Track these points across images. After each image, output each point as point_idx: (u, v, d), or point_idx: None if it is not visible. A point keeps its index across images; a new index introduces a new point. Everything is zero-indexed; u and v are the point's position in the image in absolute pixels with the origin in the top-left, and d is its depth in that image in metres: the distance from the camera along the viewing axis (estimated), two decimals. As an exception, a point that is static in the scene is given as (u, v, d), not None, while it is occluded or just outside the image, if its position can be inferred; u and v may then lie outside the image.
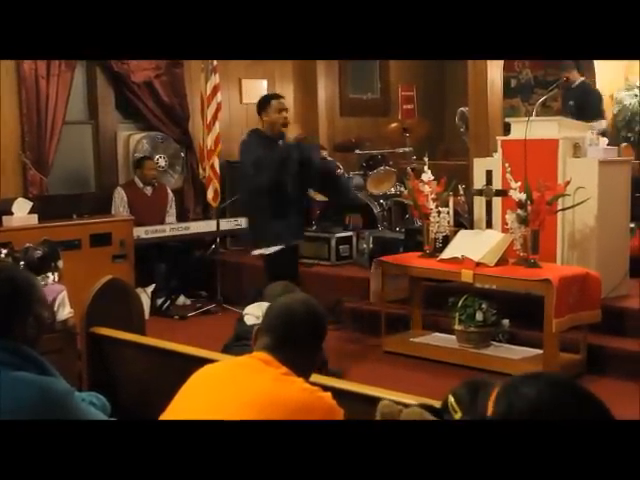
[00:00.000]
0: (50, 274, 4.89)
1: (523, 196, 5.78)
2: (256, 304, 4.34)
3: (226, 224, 8.29)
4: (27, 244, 5.07)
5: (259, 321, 4.06)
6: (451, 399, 2.08)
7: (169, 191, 8.47)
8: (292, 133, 5.98)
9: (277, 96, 6.39)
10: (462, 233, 6.36)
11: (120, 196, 8.12)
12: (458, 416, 2.05)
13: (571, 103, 7.45)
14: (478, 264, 5.91)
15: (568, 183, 5.92)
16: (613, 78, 9.87)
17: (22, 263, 4.81)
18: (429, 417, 2.02)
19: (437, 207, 6.37)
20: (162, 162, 8.71)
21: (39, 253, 4.90)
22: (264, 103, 6.20)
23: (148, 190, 8.24)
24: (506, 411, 1.39)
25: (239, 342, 4.29)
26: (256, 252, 6.14)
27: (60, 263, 5.01)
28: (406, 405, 2.15)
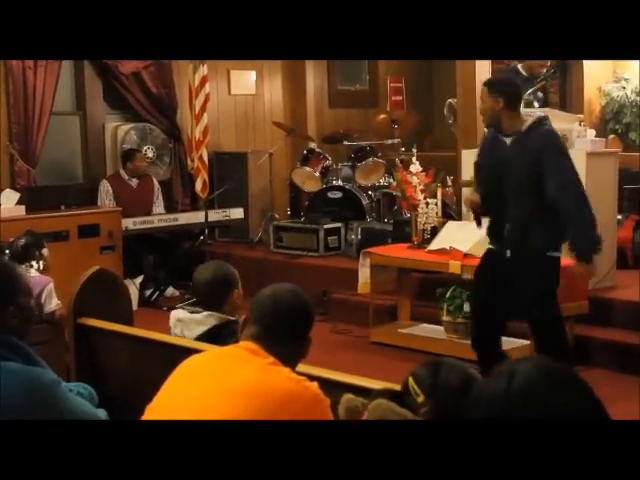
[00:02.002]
0: (34, 262, 4.89)
1: (511, 187, 5.79)
2: (176, 319, 3.79)
3: (214, 215, 8.29)
4: (11, 239, 5.06)
5: (177, 330, 3.83)
6: (411, 381, 2.08)
7: (155, 182, 8.45)
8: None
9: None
10: (450, 224, 6.37)
11: (105, 189, 8.09)
12: (421, 399, 2.06)
13: (540, 95, 7.49)
14: (466, 255, 5.92)
15: (556, 174, 5.93)
16: (601, 70, 9.89)
17: (7, 252, 4.81)
18: (396, 408, 2.02)
19: (425, 198, 6.39)
20: (150, 153, 8.69)
21: (22, 241, 4.90)
22: None
23: (133, 182, 8.22)
24: (501, 390, 1.40)
25: None
26: None
27: (45, 251, 5.01)
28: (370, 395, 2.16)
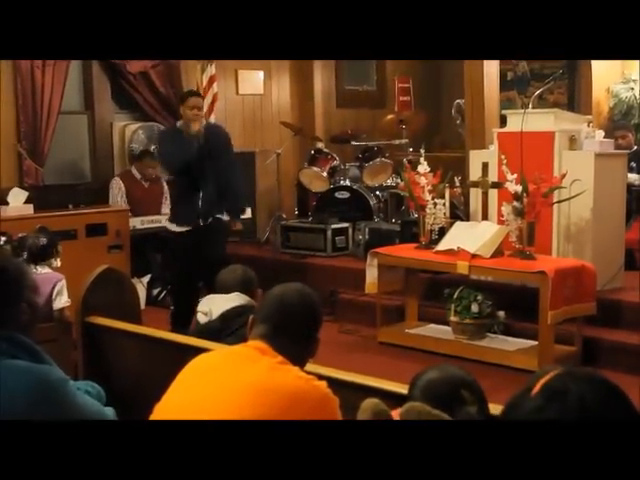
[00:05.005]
0: (53, 260, 4.95)
1: (519, 188, 5.79)
2: (205, 299, 4.19)
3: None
4: (20, 234, 5.09)
5: (208, 318, 3.98)
6: (465, 392, 2.05)
7: (164, 184, 8.46)
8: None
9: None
10: (458, 225, 6.36)
11: (118, 186, 8.09)
12: (474, 409, 2.03)
13: (633, 165, 7.54)
14: (474, 256, 5.91)
15: (564, 175, 5.93)
16: (609, 71, 9.86)
17: (25, 252, 4.84)
18: (432, 410, 1.96)
19: (433, 199, 6.37)
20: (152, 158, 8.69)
21: (44, 240, 4.94)
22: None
23: (145, 182, 8.22)
24: (555, 405, 1.38)
25: None
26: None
27: (59, 247, 5.07)
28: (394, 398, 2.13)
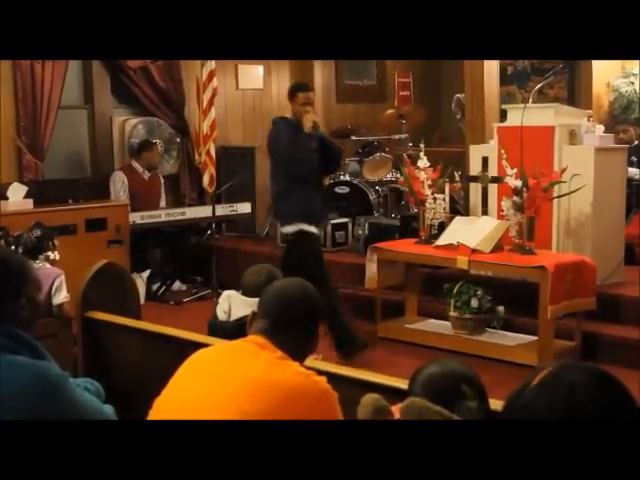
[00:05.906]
0: (50, 252, 4.94)
1: (519, 183, 5.78)
2: (226, 294, 4.15)
3: (222, 210, 8.29)
4: (17, 232, 5.09)
5: (226, 317, 3.95)
6: (465, 387, 2.05)
7: (161, 177, 8.49)
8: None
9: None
10: (458, 220, 6.36)
11: (121, 179, 8.08)
12: (475, 404, 2.03)
13: (634, 159, 7.55)
14: (474, 251, 5.91)
15: (564, 170, 5.93)
16: (609, 65, 9.85)
17: (20, 247, 4.83)
18: (433, 406, 1.96)
19: (433, 194, 6.37)
20: (158, 147, 8.70)
21: (38, 232, 4.94)
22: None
23: (146, 175, 8.23)
24: (549, 400, 1.39)
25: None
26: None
27: (56, 241, 5.06)
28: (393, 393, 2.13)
